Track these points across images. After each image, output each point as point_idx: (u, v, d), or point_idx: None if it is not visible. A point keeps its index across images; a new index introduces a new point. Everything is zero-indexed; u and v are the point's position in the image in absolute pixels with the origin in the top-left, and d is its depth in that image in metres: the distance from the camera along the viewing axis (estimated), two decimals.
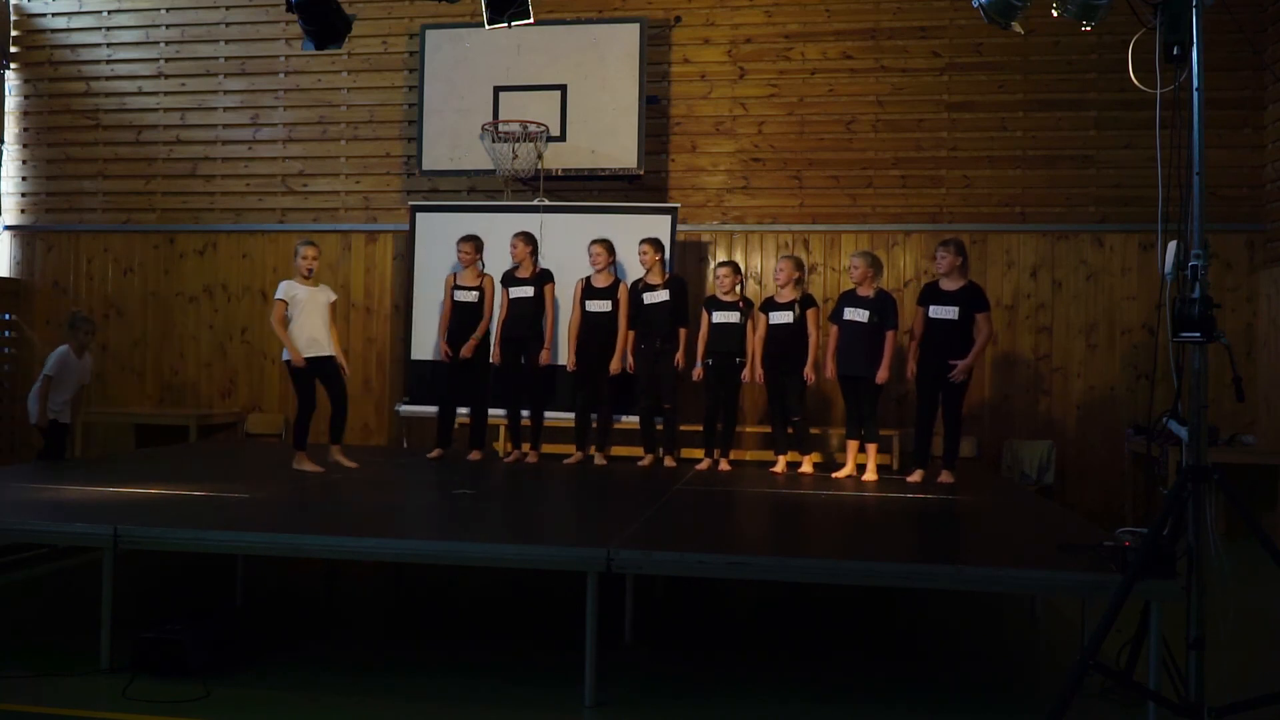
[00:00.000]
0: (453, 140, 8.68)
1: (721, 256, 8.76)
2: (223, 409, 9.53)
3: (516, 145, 8.14)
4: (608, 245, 7.25)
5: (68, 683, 4.08)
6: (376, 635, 5.02)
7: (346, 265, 9.32)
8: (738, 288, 7.09)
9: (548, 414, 7.48)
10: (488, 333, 7.30)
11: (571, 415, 7.44)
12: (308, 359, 6.37)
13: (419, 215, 8.58)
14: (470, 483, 6.22)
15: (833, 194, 8.76)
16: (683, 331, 7.10)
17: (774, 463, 7.02)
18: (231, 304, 9.60)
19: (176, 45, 9.77)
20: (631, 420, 7.53)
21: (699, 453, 7.21)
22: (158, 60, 9.81)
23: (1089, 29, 5.10)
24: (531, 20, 6.84)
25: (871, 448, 6.60)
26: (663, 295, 7.09)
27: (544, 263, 7.48)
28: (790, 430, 6.89)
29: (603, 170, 8.49)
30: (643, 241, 7.21)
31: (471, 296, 7.29)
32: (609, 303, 7.17)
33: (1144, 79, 3.92)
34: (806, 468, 6.89)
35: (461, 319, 7.28)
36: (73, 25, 9.96)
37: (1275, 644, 5.07)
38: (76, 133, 9.92)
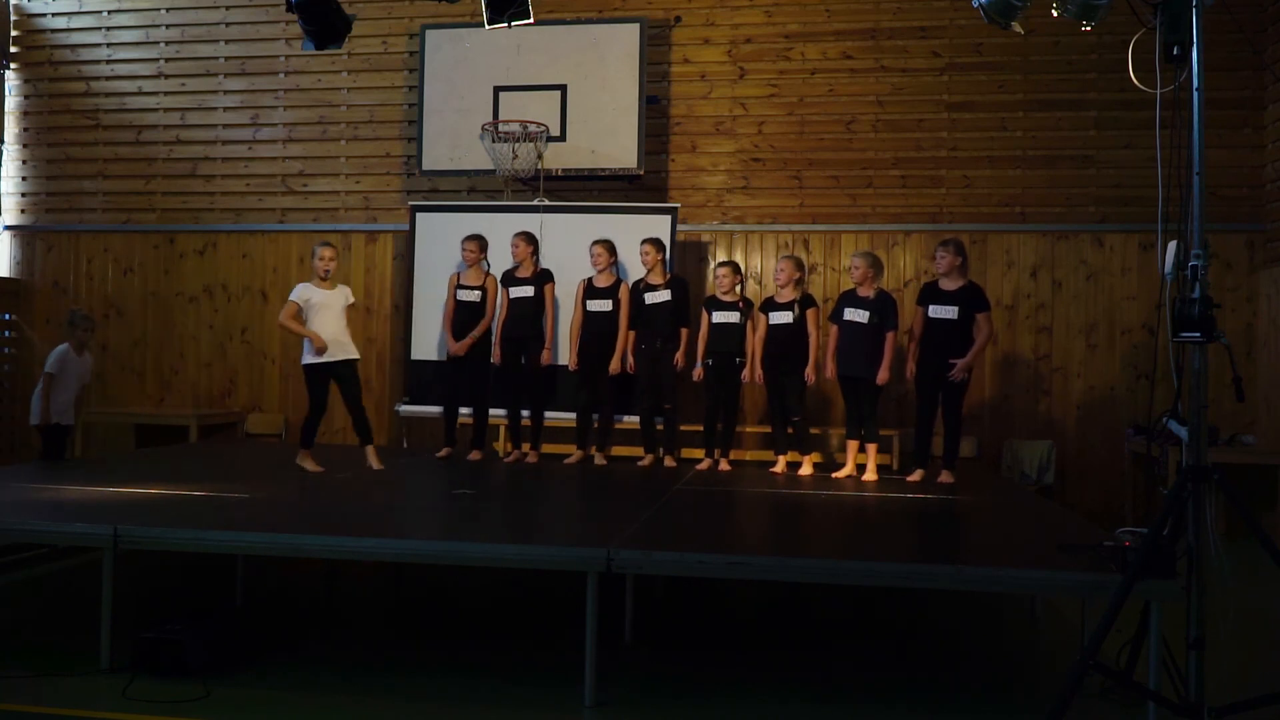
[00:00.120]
0: (453, 140, 8.68)
1: (721, 256, 8.76)
2: (223, 409, 9.53)
3: (516, 145, 8.14)
4: (609, 246, 7.26)
5: (68, 683, 4.08)
6: (376, 635, 5.02)
7: (346, 265, 9.31)
8: (738, 288, 7.09)
9: (548, 414, 7.48)
10: (488, 332, 7.30)
11: (572, 415, 7.44)
12: (323, 363, 6.27)
13: (419, 215, 8.58)
14: (470, 483, 6.22)
15: (833, 194, 8.76)
16: (684, 332, 7.11)
17: (774, 463, 7.02)
18: (231, 304, 9.60)
19: (176, 45, 9.78)
20: (632, 420, 7.53)
21: (699, 453, 7.21)
22: (158, 60, 9.81)
23: (1089, 29, 5.10)
24: (531, 20, 6.84)
25: (871, 448, 6.60)
26: (664, 295, 7.09)
27: (544, 263, 7.48)
28: (790, 430, 6.89)
29: (603, 170, 8.49)
30: (644, 241, 7.22)
31: (474, 296, 7.29)
32: (610, 303, 7.17)
33: (1144, 79, 3.92)
34: (806, 468, 6.88)
35: (464, 318, 7.29)
36: (73, 25, 9.96)
37: (1275, 644, 5.07)
38: (76, 133, 9.92)
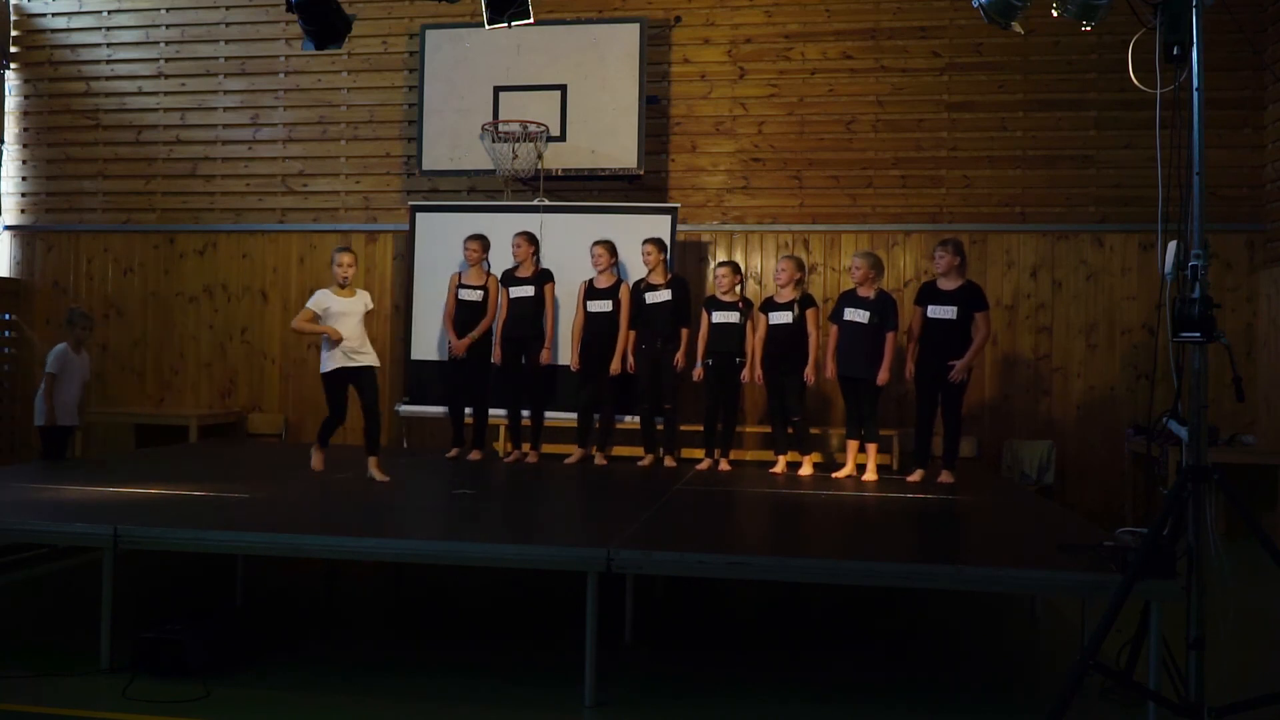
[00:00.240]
0: (453, 140, 8.68)
1: (721, 256, 8.76)
2: (223, 409, 9.53)
3: (516, 145, 8.14)
4: (609, 246, 7.26)
5: (68, 683, 4.09)
6: (376, 635, 5.02)
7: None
8: (737, 288, 7.09)
9: (548, 414, 7.49)
10: (489, 332, 7.30)
11: (572, 415, 7.45)
12: (340, 370, 6.09)
13: (419, 215, 8.58)
14: (470, 483, 6.22)
15: (833, 194, 8.75)
16: (684, 332, 7.11)
17: (774, 463, 7.02)
18: (231, 304, 9.60)
19: (176, 45, 9.77)
20: (632, 420, 7.53)
21: (699, 453, 7.21)
22: (158, 60, 9.81)
23: (1089, 29, 5.10)
24: (531, 20, 6.84)
25: (871, 448, 6.60)
26: (665, 295, 7.10)
27: (544, 263, 7.48)
28: (790, 430, 6.89)
29: (603, 170, 8.49)
30: (646, 241, 7.22)
31: (476, 295, 7.30)
32: (610, 303, 7.18)
33: (1144, 79, 3.92)
34: (806, 468, 6.88)
35: (466, 318, 7.29)
36: (73, 25, 9.96)
37: (1275, 644, 5.07)
38: (76, 133, 9.92)
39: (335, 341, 6.02)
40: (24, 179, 10.04)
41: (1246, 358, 8.03)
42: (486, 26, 6.88)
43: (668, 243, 7.71)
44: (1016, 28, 4.66)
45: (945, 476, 6.39)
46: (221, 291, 9.64)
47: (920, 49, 8.65)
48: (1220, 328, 3.50)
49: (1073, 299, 8.46)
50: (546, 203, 8.20)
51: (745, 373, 6.91)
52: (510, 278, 7.31)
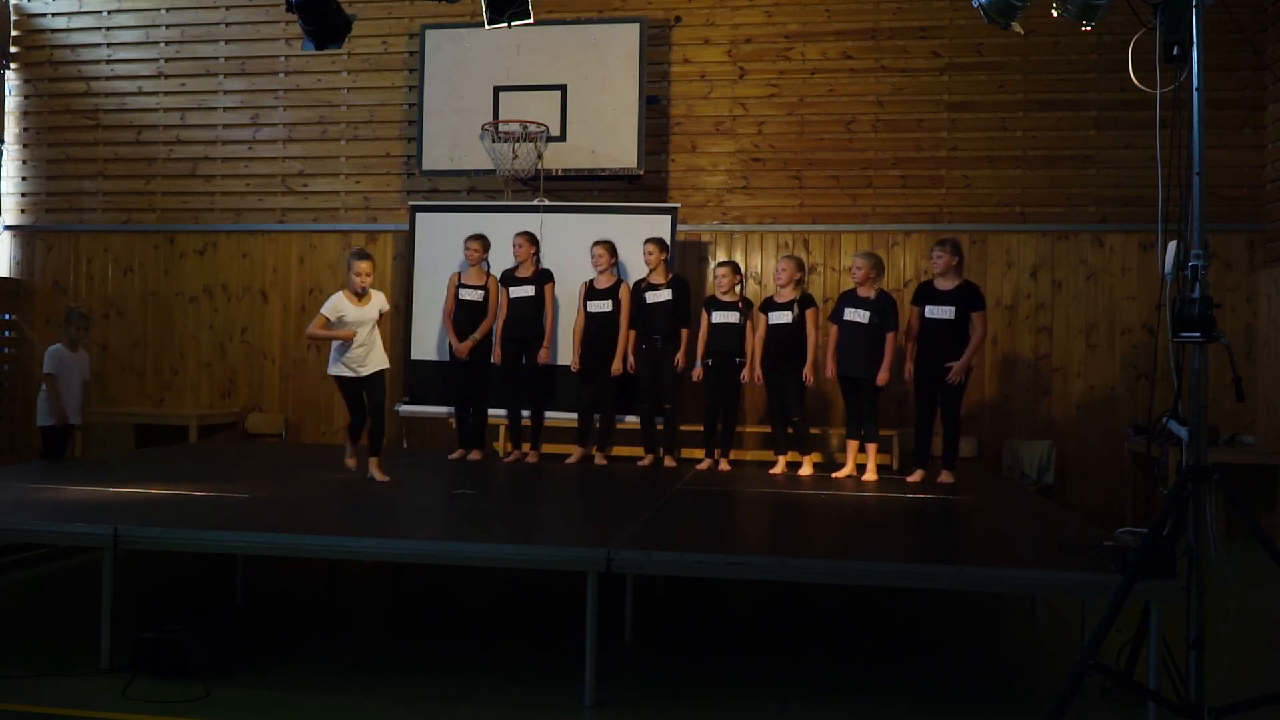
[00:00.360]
0: (453, 140, 8.68)
1: (721, 256, 8.76)
2: (223, 409, 9.53)
3: (516, 145, 8.14)
4: (610, 247, 7.26)
5: (68, 683, 4.09)
6: (376, 635, 5.02)
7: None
8: (737, 288, 7.09)
9: (548, 414, 7.49)
10: (489, 332, 7.30)
11: (572, 415, 7.45)
12: (355, 377, 6.07)
13: (419, 215, 8.58)
14: (470, 483, 6.22)
15: (833, 194, 8.76)
16: (684, 332, 7.11)
17: (774, 463, 7.02)
18: (231, 304, 9.60)
19: (176, 45, 9.77)
20: (632, 420, 7.53)
21: (699, 453, 7.21)
22: (158, 60, 9.81)
23: (1089, 29, 5.10)
24: (531, 20, 6.83)
25: (871, 448, 6.60)
26: (665, 295, 7.10)
27: (544, 263, 7.48)
28: (790, 430, 6.89)
29: (603, 170, 8.49)
30: (648, 241, 7.23)
31: (477, 295, 7.30)
32: (610, 303, 7.18)
33: (1144, 79, 3.92)
34: (806, 468, 6.88)
35: (466, 318, 7.29)
36: (73, 25, 9.96)
37: (1275, 644, 5.07)
38: (76, 133, 9.92)
39: (346, 343, 6.01)
40: (24, 179, 10.04)
41: (1246, 358, 8.03)
42: (486, 26, 6.88)
43: (668, 243, 7.71)
44: (1016, 28, 4.66)
45: (945, 476, 6.39)
46: (221, 291, 9.64)
47: (920, 49, 8.65)
48: (1220, 328, 3.50)
49: (1073, 299, 8.46)
50: (546, 203, 8.20)
51: (745, 373, 6.91)
52: (510, 278, 7.31)
